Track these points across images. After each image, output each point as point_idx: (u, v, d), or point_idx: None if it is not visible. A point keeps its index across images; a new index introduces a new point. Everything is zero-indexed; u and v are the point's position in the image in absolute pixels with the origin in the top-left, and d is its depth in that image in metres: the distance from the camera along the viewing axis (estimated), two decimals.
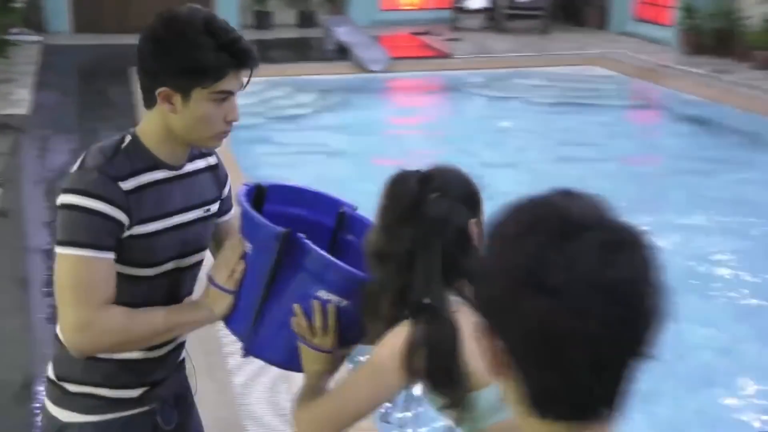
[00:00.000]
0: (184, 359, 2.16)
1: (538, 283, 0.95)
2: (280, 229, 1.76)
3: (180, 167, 1.94)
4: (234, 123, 1.88)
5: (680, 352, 4.47)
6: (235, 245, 1.87)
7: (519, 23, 14.31)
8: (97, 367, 1.93)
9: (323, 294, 1.75)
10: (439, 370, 1.63)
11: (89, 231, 1.77)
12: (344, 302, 1.76)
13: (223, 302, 1.87)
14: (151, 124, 1.89)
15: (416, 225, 1.67)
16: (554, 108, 10.34)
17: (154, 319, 1.86)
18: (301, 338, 1.79)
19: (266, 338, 1.84)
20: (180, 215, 1.94)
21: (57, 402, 1.97)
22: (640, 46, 12.99)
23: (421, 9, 15.53)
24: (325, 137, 9.09)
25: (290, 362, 1.86)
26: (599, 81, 11.52)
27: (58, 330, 1.93)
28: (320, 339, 1.78)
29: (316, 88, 10.98)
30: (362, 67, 11.64)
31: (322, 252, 1.77)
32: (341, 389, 1.75)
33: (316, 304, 1.75)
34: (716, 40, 11.69)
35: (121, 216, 1.80)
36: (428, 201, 1.67)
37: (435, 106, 11.54)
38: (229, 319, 1.89)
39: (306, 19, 14.71)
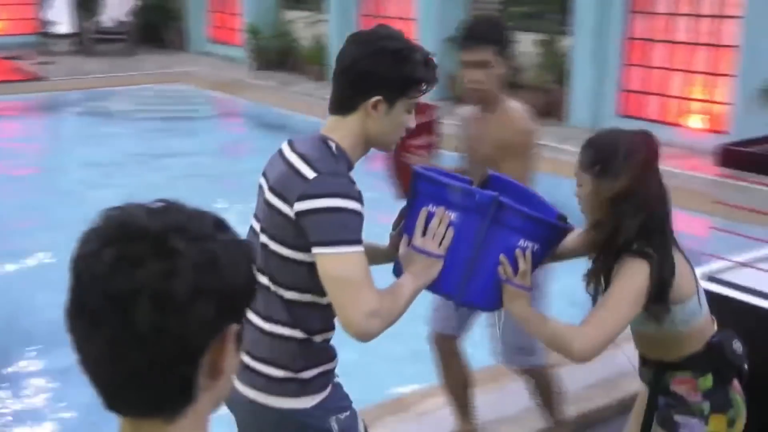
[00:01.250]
0: None
1: None
2: (493, 194, 1.99)
3: None
4: None
5: None
6: (442, 216, 1.96)
7: (106, 46, 14.55)
8: (320, 350, 1.99)
9: (522, 242, 2.00)
10: (663, 291, 2.03)
11: (356, 229, 1.83)
12: (536, 246, 2.02)
13: (436, 267, 1.96)
14: (350, 130, 1.92)
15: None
16: (146, 122, 10.83)
17: (404, 290, 1.92)
18: (507, 281, 2.01)
19: (477, 287, 2.03)
20: None
21: (297, 394, 1.96)
22: (217, 64, 13.99)
23: (6, 34, 15.04)
24: None
25: (495, 304, 2.08)
26: (184, 96, 12.21)
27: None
28: (522, 279, 2.01)
29: None
30: None
31: (523, 208, 2.00)
32: (613, 311, 2.01)
33: (518, 252, 2.00)
34: (279, 57, 13.02)
35: (363, 213, 1.87)
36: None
37: (31, 126, 11.35)
38: (435, 282, 1.99)
39: None
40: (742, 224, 3.23)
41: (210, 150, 9.66)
